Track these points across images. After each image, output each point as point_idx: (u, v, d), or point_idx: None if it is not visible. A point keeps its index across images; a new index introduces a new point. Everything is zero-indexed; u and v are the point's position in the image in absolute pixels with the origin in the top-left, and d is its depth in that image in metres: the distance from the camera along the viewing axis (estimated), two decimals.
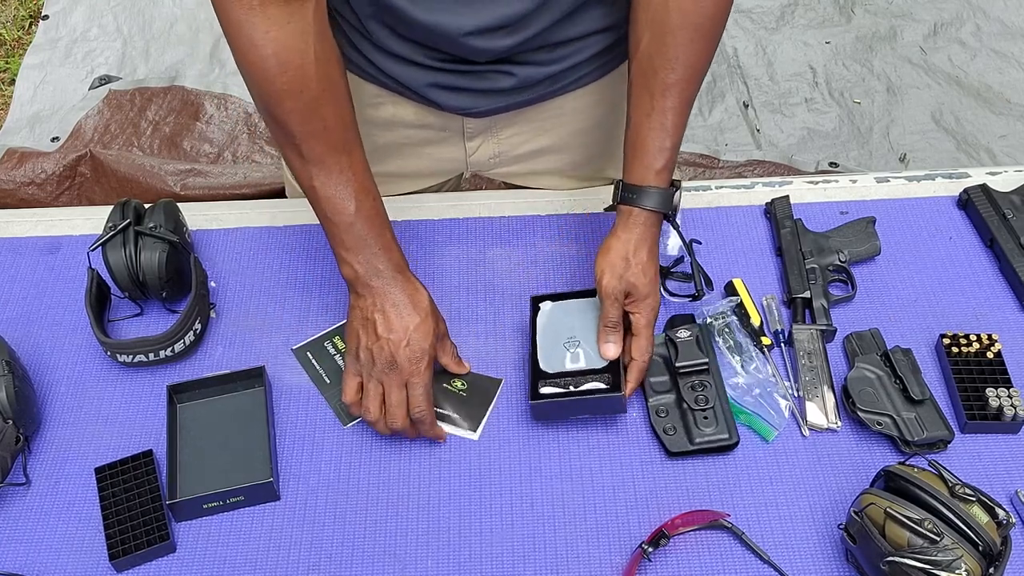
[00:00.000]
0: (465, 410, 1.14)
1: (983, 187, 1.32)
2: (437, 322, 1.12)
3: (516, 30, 1.11)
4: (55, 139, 2.47)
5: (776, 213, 1.31)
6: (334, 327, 1.22)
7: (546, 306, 1.18)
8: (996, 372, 1.14)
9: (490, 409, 1.14)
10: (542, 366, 1.12)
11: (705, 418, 1.10)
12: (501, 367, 1.18)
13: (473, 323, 1.23)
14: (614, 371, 1.10)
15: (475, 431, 1.12)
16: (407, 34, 1.13)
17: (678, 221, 1.28)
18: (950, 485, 0.95)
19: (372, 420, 1.09)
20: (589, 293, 1.18)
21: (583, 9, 1.14)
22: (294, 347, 1.21)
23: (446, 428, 1.13)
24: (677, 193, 1.14)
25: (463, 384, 1.16)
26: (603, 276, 1.11)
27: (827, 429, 1.12)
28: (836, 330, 1.19)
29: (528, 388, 1.12)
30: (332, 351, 1.20)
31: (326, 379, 1.18)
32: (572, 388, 1.09)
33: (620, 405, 1.09)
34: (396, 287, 1.09)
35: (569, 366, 1.12)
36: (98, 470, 1.09)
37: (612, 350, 1.11)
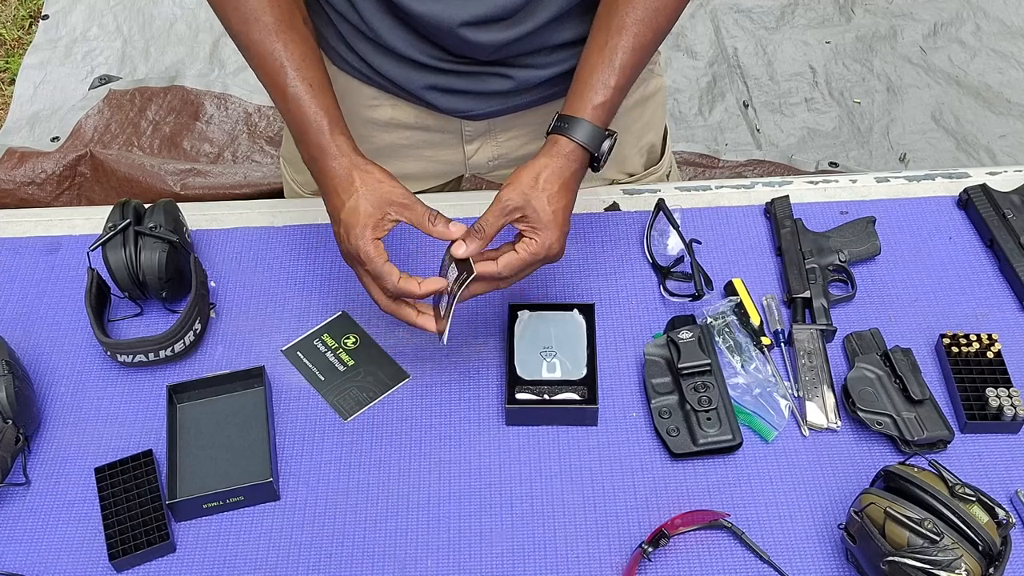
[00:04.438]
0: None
1: (983, 187, 1.32)
2: (378, 200, 1.03)
3: (511, 24, 1.11)
4: (55, 139, 2.47)
5: (776, 213, 1.31)
6: (321, 325, 1.22)
7: (524, 314, 1.20)
8: (996, 372, 1.14)
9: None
10: (519, 372, 1.14)
11: (708, 419, 1.10)
12: (501, 368, 1.18)
13: (473, 323, 1.23)
14: (590, 384, 1.12)
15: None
16: (404, 19, 1.12)
17: (677, 220, 1.28)
18: (950, 485, 0.95)
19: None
20: (566, 307, 1.20)
21: (580, 10, 1.14)
22: (283, 348, 1.21)
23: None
24: (608, 141, 1.09)
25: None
26: (504, 186, 1.05)
27: (827, 429, 1.12)
28: (836, 330, 1.19)
29: (504, 392, 1.13)
30: (322, 348, 1.20)
31: (320, 377, 1.18)
32: (547, 396, 1.11)
33: (593, 418, 1.12)
34: (326, 175, 1.05)
35: (545, 375, 1.14)
36: (98, 470, 1.09)
37: (460, 249, 1.03)
